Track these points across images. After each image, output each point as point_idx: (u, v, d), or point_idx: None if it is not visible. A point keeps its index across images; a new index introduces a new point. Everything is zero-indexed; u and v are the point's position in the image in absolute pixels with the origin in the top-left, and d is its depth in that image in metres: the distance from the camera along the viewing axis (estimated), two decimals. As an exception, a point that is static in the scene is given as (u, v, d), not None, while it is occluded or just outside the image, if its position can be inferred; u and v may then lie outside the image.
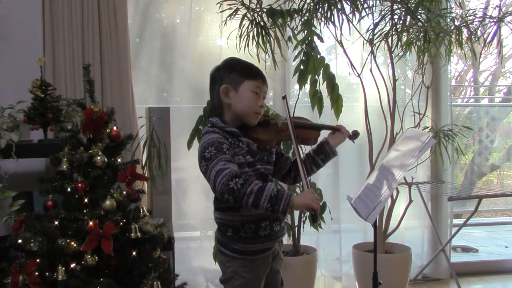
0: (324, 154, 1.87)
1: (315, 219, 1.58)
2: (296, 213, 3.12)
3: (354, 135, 1.96)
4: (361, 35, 3.12)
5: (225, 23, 2.83)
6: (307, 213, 3.09)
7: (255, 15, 2.82)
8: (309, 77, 2.89)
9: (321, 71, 2.90)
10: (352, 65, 3.10)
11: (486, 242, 4.86)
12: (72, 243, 1.78)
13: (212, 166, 1.56)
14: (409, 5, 2.89)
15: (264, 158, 1.75)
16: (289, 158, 1.94)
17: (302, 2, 2.88)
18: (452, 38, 3.08)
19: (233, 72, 1.72)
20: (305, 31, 2.86)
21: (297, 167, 1.73)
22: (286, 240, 3.26)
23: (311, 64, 2.84)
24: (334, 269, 3.60)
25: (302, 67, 2.88)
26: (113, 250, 1.79)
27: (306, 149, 1.86)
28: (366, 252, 3.09)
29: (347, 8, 2.84)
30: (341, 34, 2.95)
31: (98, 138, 1.94)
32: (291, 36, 2.96)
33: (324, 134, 1.93)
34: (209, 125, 1.74)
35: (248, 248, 1.70)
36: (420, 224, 3.75)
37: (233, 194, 1.50)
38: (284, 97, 1.81)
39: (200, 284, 3.35)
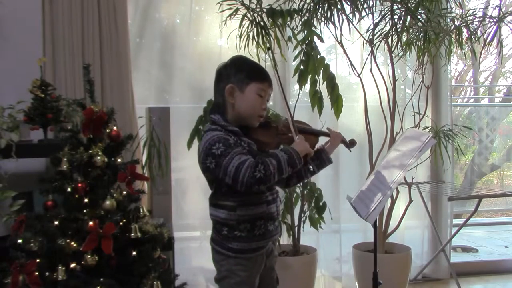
0: (319, 160, 1.87)
1: (306, 162, 1.73)
2: (296, 213, 3.12)
3: (351, 143, 1.95)
4: (361, 35, 3.12)
5: (225, 23, 2.83)
6: (307, 213, 3.10)
7: (255, 15, 2.82)
8: (309, 77, 2.89)
9: (321, 71, 2.90)
10: (352, 65, 3.10)
11: (486, 242, 4.86)
12: (72, 243, 1.78)
13: (227, 162, 1.57)
14: (409, 5, 2.89)
15: None
16: None
17: (302, 2, 2.88)
18: (452, 38, 3.08)
19: (240, 72, 1.71)
20: (305, 31, 2.86)
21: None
22: (286, 240, 3.27)
23: (311, 64, 2.84)
24: (334, 269, 3.60)
25: (302, 67, 2.88)
26: (113, 250, 1.79)
27: None
28: (366, 252, 3.09)
29: (347, 8, 2.85)
30: (341, 34, 2.95)
31: (98, 138, 1.94)
32: (291, 36, 2.95)
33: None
34: (211, 121, 1.73)
35: (243, 247, 1.70)
36: (420, 224, 3.76)
37: (262, 181, 1.56)
38: (269, 48, 1.81)
39: (200, 284, 3.35)
